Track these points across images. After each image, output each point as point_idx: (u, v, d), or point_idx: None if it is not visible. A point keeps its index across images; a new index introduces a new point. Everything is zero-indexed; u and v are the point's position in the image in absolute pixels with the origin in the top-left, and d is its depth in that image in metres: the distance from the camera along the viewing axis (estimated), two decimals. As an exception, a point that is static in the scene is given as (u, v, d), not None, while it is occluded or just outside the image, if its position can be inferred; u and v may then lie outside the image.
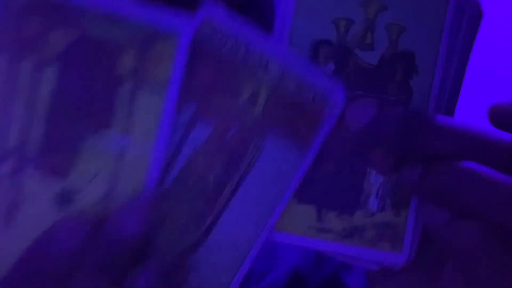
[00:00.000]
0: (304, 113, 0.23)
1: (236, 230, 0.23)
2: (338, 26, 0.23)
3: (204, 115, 0.22)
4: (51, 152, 0.21)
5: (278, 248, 0.51)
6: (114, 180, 0.22)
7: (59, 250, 0.20)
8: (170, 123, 0.22)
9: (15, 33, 0.21)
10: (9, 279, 0.21)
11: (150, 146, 0.22)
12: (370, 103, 0.22)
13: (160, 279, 0.21)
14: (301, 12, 0.23)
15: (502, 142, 0.21)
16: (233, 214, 0.23)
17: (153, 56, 0.21)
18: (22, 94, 0.21)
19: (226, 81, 0.22)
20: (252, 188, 0.23)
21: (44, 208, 0.21)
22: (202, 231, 0.23)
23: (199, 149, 0.22)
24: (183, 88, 0.22)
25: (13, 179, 0.21)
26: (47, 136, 0.21)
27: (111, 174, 0.22)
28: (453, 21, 0.23)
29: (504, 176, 0.20)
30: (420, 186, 0.21)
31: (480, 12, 0.23)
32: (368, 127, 0.22)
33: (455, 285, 0.23)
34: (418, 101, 0.23)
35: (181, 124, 0.22)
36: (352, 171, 0.23)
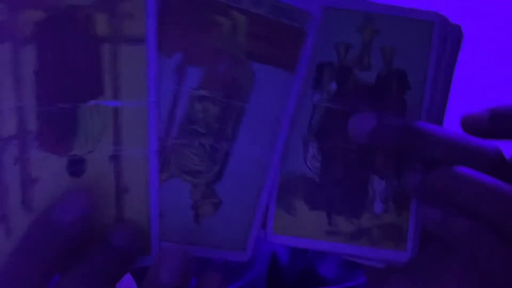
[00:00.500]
0: (284, 32, 0.24)
1: (248, 159, 0.24)
2: (338, 50, 0.26)
3: (193, 59, 0.23)
4: (50, 128, 0.21)
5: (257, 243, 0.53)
6: (117, 139, 0.22)
7: (67, 219, 0.20)
8: (156, 76, 0.22)
9: None
10: (21, 249, 0.21)
11: (143, 101, 0.22)
12: (370, 116, 0.25)
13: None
14: None
15: (485, 147, 0.24)
16: (242, 143, 0.24)
17: (125, 13, 0.22)
18: (7, 78, 0.21)
19: (204, 18, 0.23)
20: (254, 113, 0.24)
21: (59, 181, 0.22)
22: (218, 166, 0.24)
23: (196, 92, 0.23)
24: (165, 40, 0.22)
25: (21, 162, 0.21)
26: (42, 114, 0.21)
27: (113, 133, 0.22)
28: (438, 42, 0.26)
29: (491, 178, 0.23)
30: (420, 190, 0.24)
31: (461, 34, 0.27)
32: (369, 137, 0.25)
33: (458, 278, 0.25)
34: (412, 113, 0.26)
35: (171, 75, 0.23)
36: (357, 178, 0.26)
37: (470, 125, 0.25)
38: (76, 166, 0.22)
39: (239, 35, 0.23)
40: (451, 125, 0.26)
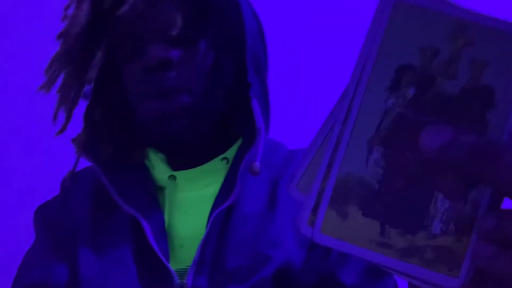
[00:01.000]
0: None
1: None
2: (424, 53, 0.24)
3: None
4: None
5: (265, 246, 0.51)
6: None
7: None
8: None
9: None
10: None
11: None
12: (445, 129, 0.23)
13: None
14: (390, 37, 0.24)
15: None
16: None
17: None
18: None
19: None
20: None
21: None
22: None
23: None
24: None
25: None
26: None
27: None
28: None
29: None
30: (495, 234, 0.22)
31: None
32: (441, 151, 0.23)
33: None
34: (493, 134, 0.24)
35: None
36: (420, 192, 0.24)
37: None
38: None
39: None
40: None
